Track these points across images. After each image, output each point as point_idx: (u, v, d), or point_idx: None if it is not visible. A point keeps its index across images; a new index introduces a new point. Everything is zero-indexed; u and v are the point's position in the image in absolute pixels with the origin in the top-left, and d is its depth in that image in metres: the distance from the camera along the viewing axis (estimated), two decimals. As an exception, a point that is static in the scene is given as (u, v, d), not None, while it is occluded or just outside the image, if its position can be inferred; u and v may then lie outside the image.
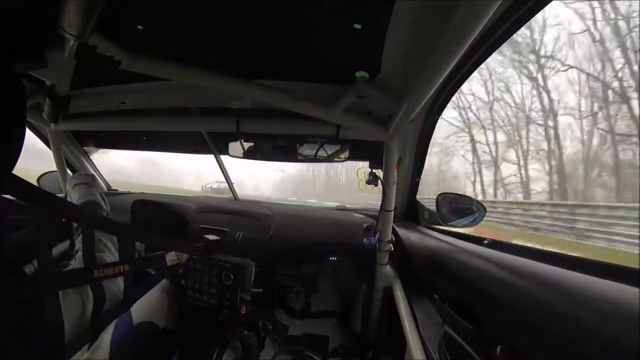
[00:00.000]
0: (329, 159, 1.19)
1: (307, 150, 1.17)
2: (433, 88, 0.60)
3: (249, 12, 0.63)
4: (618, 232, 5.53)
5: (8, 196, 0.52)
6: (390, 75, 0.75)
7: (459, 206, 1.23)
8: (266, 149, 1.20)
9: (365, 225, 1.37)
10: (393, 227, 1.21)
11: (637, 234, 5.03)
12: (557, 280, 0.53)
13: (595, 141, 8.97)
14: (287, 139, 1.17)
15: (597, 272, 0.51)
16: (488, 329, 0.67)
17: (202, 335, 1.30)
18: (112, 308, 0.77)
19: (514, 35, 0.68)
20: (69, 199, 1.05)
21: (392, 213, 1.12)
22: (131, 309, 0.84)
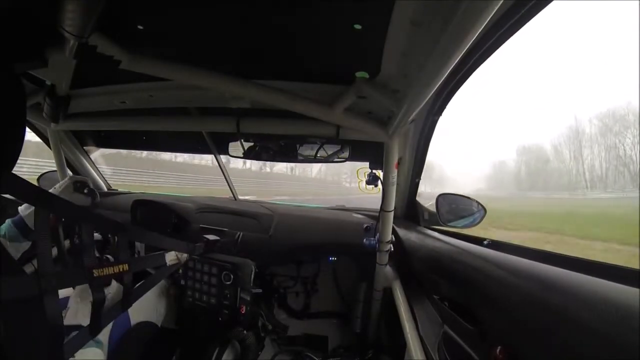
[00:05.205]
0: (328, 159, 1.19)
1: (307, 150, 1.17)
2: (433, 88, 0.60)
3: (249, 12, 0.63)
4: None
5: (8, 196, 0.52)
6: (390, 75, 0.75)
7: (459, 207, 1.23)
8: (266, 149, 1.20)
9: (365, 226, 1.37)
10: (393, 228, 1.21)
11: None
12: (556, 280, 0.53)
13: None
14: (287, 139, 1.17)
15: (597, 273, 0.51)
16: (488, 329, 0.67)
17: (202, 335, 1.30)
18: (111, 308, 0.77)
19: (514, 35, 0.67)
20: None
21: (392, 213, 1.12)
22: (129, 309, 0.84)
